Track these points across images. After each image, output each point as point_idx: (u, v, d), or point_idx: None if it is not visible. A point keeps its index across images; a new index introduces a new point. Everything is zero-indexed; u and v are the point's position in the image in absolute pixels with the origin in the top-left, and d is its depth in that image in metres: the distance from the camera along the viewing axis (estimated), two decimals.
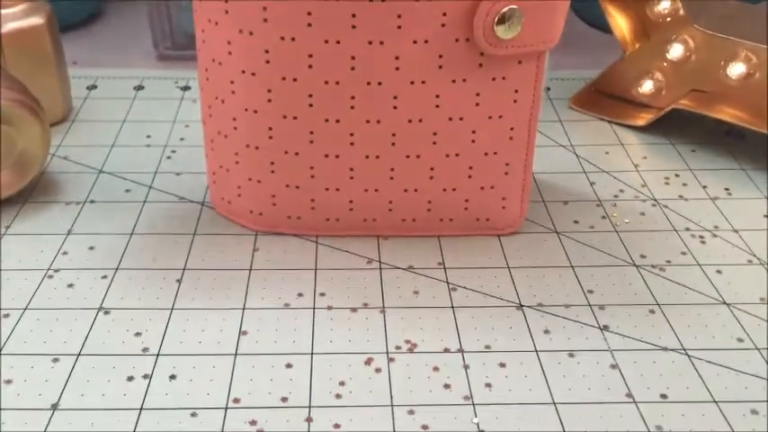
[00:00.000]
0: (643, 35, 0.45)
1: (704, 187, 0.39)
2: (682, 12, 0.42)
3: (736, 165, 0.41)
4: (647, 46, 0.44)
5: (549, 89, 0.48)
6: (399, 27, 0.30)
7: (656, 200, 0.38)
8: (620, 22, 0.45)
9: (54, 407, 0.26)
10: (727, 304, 0.32)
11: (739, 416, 0.27)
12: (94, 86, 0.47)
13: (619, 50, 0.45)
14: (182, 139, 0.42)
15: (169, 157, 0.41)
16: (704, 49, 0.42)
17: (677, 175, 0.40)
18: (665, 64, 0.43)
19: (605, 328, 0.30)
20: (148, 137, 0.42)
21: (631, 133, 0.44)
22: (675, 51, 0.43)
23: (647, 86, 0.44)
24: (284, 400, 0.27)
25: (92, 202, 0.37)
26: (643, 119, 0.44)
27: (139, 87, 0.47)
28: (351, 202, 0.34)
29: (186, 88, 0.47)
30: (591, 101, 0.46)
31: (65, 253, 0.33)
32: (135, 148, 0.41)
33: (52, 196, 0.37)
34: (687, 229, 0.36)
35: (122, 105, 0.45)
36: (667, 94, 0.44)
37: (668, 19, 0.42)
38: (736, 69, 0.41)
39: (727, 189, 0.39)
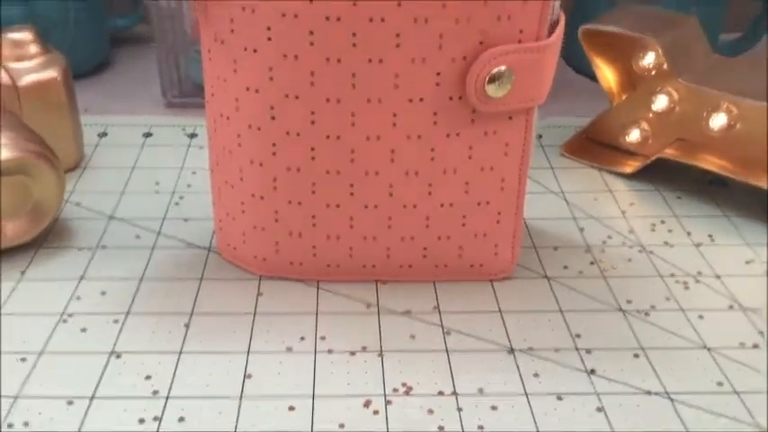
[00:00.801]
0: (629, 87, 0.47)
1: (689, 234, 0.41)
2: (666, 66, 0.44)
3: (719, 212, 0.43)
4: (633, 97, 0.46)
5: (540, 136, 0.50)
6: (396, 86, 0.32)
7: (642, 246, 0.40)
8: (607, 75, 0.47)
9: None
10: (708, 349, 0.33)
11: None
12: (105, 134, 0.49)
13: (607, 98, 0.48)
14: (189, 185, 0.44)
15: (177, 204, 0.42)
16: (688, 100, 0.44)
17: (663, 222, 0.42)
18: (651, 114, 0.45)
19: (592, 371, 0.32)
20: (157, 183, 0.44)
21: (619, 180, 0.46)
22: (660, 103, 0.45)
23: (634, 135, 0.47)
24: None
25: (103, 247, 0.39)
26: (630, 166, 0.46)
27: (148, 134, 0.49)
28: (350, 249, 0.36)
29: (193, 135, 0.49)
30: (581, 148, 0.48)
31: (78, 298, 0.35)
32: (144, 194, 0.43)
33: (66, 242, 0.39)
34: (672, 275, 0.38)
35: (132, 152, 0.47)
36: (654, 142, 0.46)
37: (653, 72, 0.45)
38: (718, 121, 0.43)
39: (710, 236, 0.41)
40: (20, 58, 0.42)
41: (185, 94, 0.53)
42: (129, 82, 0.56)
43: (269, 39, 0.31)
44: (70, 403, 0.29)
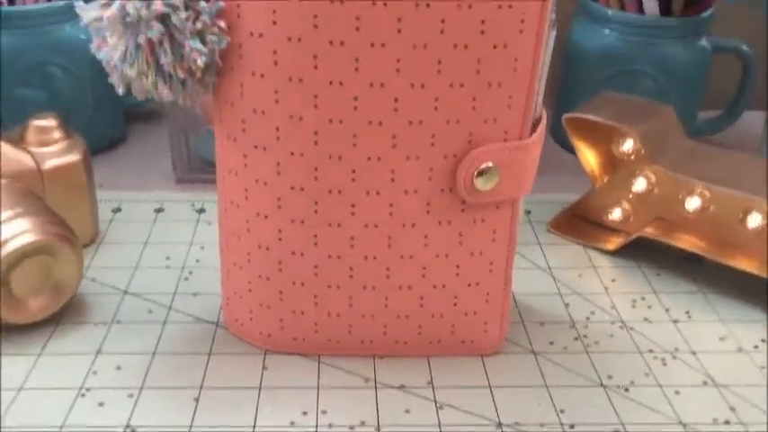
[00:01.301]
0: (611, 169, 0.50)
1: (667, 310, 0.44)
2: (643, 152, 0.47)
3: (696, 288, 0.46)
4: (614, 179, 0.49)
5: (529, 212, 0.53)
6: (393, 180, 0.35)
7: (623, 322, 0.43)
8: (590, 158, 0.50)
9: None
10: (683, 424, 0.36)
11: None
12: (119, 209, 0.52)
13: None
14: (197, 260, 0.47)
15: (186, 279, 0.45)
16: (664, 184, 0.47)
17: (643, 298, 0.45)
18: (631, 195, 0.49)
19: None
20: (168, 258, 0.47)
21: (603, 256, 0.49)
22: (639, 185, 0.48)
23: (616, 214, 0.50)
24: None
25: (118, 322, 0.41)
26: (613, 243, 0.49)
27: (159, 210, 0.52)
28: (350, 326, 0.39)
29: (201, 210, 0.52)
30: (567, 225, 0.51)
31: (95, 372, 0.38)
32: (156, 269, 0.46)
33: (82, 317, 0.41)
34: (650, 351, 0.40)
35: (144, 227, 0.50)
36: (635, 221, 0.49)
37: (632, 157, 0.48)
38: (693, 203, 0.46)
39: (687, 312, 0.44)
40: (44, 144, 0.45)
41: (194, 170, 0.56)
42: (141, 157, 0.59)
43: (277, 138, 0.34)
44: None
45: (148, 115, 0.65)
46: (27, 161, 0.43)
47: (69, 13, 0.55)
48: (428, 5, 0.32)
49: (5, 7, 0.54)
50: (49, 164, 0.44)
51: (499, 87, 0.34)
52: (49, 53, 0.55)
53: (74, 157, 0.45)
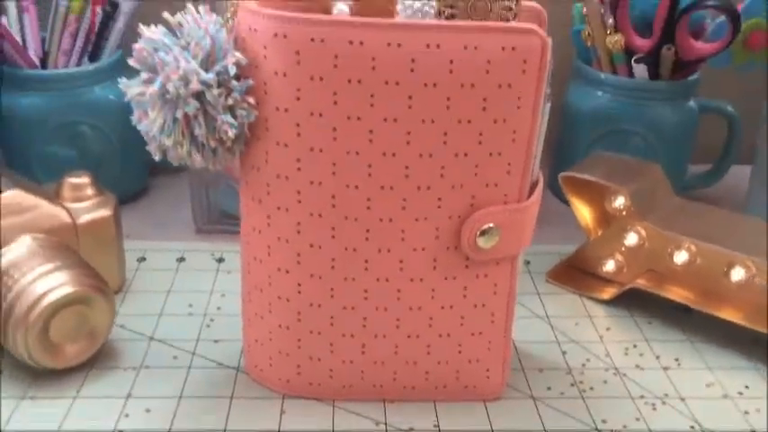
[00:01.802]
0: (604, 223, 0.54)
1: (657, 357, 0.47)
2: (633, 209, 0.51)
3: (685, 337, 0.49)
4: (608, 233, 0.53)
5: (529, 263, 0.57)
6: (403, 239, 0.39)
7: (616, 368, 0.46)
8: (584, 213, 0.54)
9: None
10: None
11: None
12: (143, 258, 0.55)
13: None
14: (218, 308, 0.50)
15: (208, 326, 0.48)
16: (654, 239, 0.50)
17: (635, 346, 0.48)
18: (624, 248, 0.52)
19: None
20: (190, 306, 0.50)
21: (598, 306, 0.52)
22: (631, 239, 0.51)
23: (609, 266, 0.53)
24: None
25: (146, 367, 0.44)
26: (608, 293, 0.52)
27: (181, 259, 0.56)
28: (362, 372, 0.42)
29: (221, 260, 0.56)
30: (564, 275, 0.54)
31: (126, 415, 0.41)
32: (179, 316, 0.49)
33: (113, 362, 0.45)
34: (642, 397, 0.43)
35: (167, 276, 0.54)
36: (627, 272, 0.52)
37: (623, 213, 0.51)
38: (681, 257, 0.49)
39: (676, 359, 0.47)
40: (77, 200, 0.49)
41: (213, 221, 0.60)
42: (163, 208, 0.63)
43: (298, 201, 0.38)
44: None
45: (169, 169, 0.68)
46: (63, 216, 0.47)
47: (98, 76, 0.59)
48: (435, 85, 0.35)
49: (40, 71, 0.59)
50: (83, 219, 0.48)
51: (499, 156, 0.37)
52: (79, 113, 0.59)
53: (105, 212, 0.49)
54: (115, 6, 0.60)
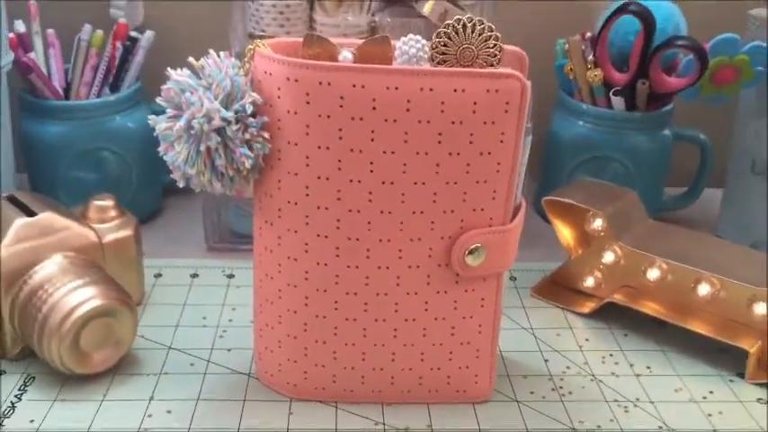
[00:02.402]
0: (584, 243, 0.58)
1: (631, 365, 0.51)
2: (610, 230, 0.55)
3: (657, 347, 0.53)
4: (587, 252, 0.57)
5: (515, 279, 0.61)
6: (400, 258, 0.43)
7: (594, 375, 0.50)
8: (566, 234, 0.59)
9: None
10: None
11: None
12: (160, 275, 0.60)
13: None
14: (230, 320, 0.55)
15: (221, 336, 0.53)
16: (629, 257, 0.55)
17: (611, 355, 0.52)
18: (602, 266, 0.57)
19: None
20: (204, 318, 0.55)
21: (578, 319, 0.56)
22: (608, 257, 0.56)
23: (589, 282, 0.58)
24: None
25: (165, 373, 0.49)
26: (587, 307, 0.57)
27: (195, 275, 0.60)
28: (363, 377, 0.46)
29: (231, 276, 0.60)
30: (547, 290, 0.59)
31: (149, 416, 0.45)
32: (194, 328, 0.54)
33: (136, 369, 0.49)
34: (615, 401, 0.48)
35: (182, 291, 0.58)
36: (605, 287, 0.57)
37: (601, 233, 0.56)
38: (653, 274, 0.54)
39: (648, 367, 0.51)
40: (102, 221, 0.53)
41: (224, 240, 0.64)
42: (176, 227, 0.68)
43: (306, 223, 0.43)
44: None
45: (181, 191, 0.73)
46: (91, 236, 0.51)
47: (118, 106, 0.64)
48: (428, 122, 0.40)
49: (65, 101, 0.63)
50: (108, 238, 0.52)
51: (485, 184, 0.42)
52: (101, 140, 0.64)
53: (127, 232, 0.54)
54: (134, 41, 0.65)
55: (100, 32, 0.65)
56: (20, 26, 0.62)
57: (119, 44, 0.65)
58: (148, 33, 0.65)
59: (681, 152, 0.69)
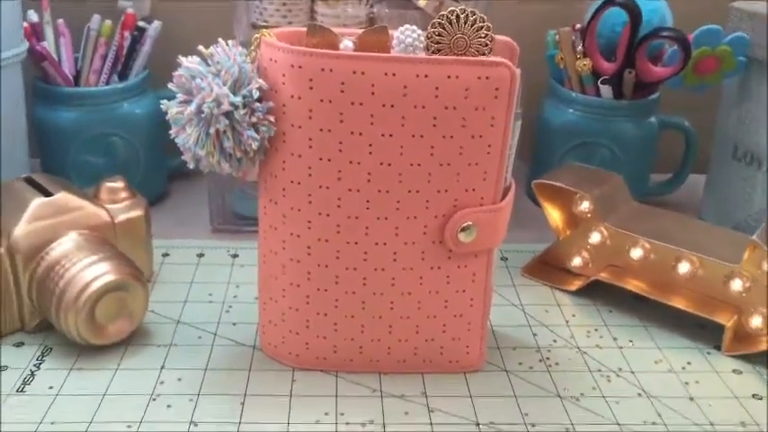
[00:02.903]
0: (572, 224, 0.61)
1: (615, 339, 0.54)
2: (596, 211, 0.58)
3: (639, 323, 0.56)
4: (575, 233, 0.60)
5: (506, 259, 0.64)
6: (396, 234, 0.46)
7: (579, 347, 0.53)
8: (554, 216, 0.62)
9: None
10: (620, 425, 0.46)
11: None
12: (167, 254, 0.63)
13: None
14: (234, 296, 0.58)
15: (227, 311, 0.56)
16: (614, 238, 0.58)
17: (596, 330, 0.55)
18: (589, 246, 0.60)
19: None
20: (210, 294, 0.58)
21: (565, 296, 0.59)
22: (594, 238, 0.59)
23: (576, 261, 0.61)
24: None
25: (175, 345, 0.52)
26: (574, 285, 0.60)
27: (201, 255, 0.63)
28: (361, 348, 0.49)
29: (235, 255, 0.63)
30: (537, 270, 0.62)
31: (162, 382, 0.48)
32: (201, 303, 0.56)
33: (147, 341, 0.52)
34: (599, 371, 0.51)
35: (189, 269, 0.61)
36: (592, 267, 0.60)
37: (588, 215, 0.59)
38: (636, 253, 0.57)
39: (630, 341, 0.54)
40: (114, 201, 0.56)
41: (228, 221, 0.67)
42: (182, 210, 0.70)
43: (309, 202, 0.45)
44: None
45: (186, 175, 0.76)
46: (104, 216, 0.54)
47: (127, 93, 0.67)
48: (423, 107, 0.43)
49: (76, 88, 0.66)
50: (120, 218, 0.55)
51: (476, 166, 0.45)
52: (110, 126, 0.66)
53: (138, 212, 0.56)
54: (142, 31, 0.67)
55: (108, 22, 0.67)
56: (32, 16, 0.64)
57: (127, 34, 0.67)
58: (155, 23, 0.68)
59: (666, 139, 0.72)
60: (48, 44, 0.65)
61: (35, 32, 0.64)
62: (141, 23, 0.68)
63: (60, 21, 0.67)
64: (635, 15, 0.62)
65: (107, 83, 0.67)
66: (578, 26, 0.69)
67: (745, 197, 0.66)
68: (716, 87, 0.67)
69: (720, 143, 0.68)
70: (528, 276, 0.62)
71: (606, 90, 0.67)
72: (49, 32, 0.66)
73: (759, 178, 0.64)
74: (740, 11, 0.64)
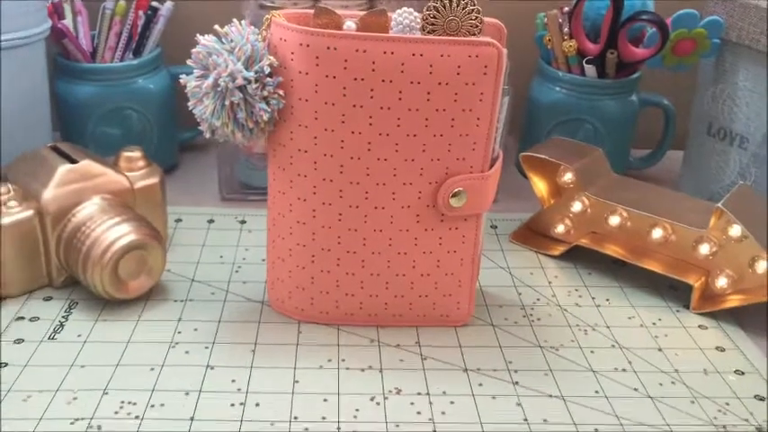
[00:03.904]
0: (556, 194, 0.66)
1: (593, 298, 0.59)
2: (578, 182, 0.63)
3: (616, 284, 0.61)
4: (558, 202, 0.65)
5: (496, 227, 0.69)
6: (394, 199, 0.51)
7: (560, 305, 0.58)
8: (540, 186, 0.66)
9: (191, 419, 0.45)
10: (594, 371, 0.51)
11: None
12: (180, 220, 0.67)
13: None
14: (243, 258, 0.62)
15: (237, 271, 0.60)
16: (594, 206, 0.63)
17: (576, 290, 0.60)
18: (571, 214, 0.64)
19: (516, 383, 0.50)
20: (221, 257, 0.62)
21: (549, 260, 0.64)
22: (576, 207, 0.64)
23: (560, 228, 0.65)
24: (323, 418, 0.46)
25: (191, 300, 0.56)
26: (557, 250, 0.65)
27: (211, 221, 0.68)
28: (361, 303, 0.54)
29: (243, 222, 0.68)
30: (524, 236, 0.67)
31: (179, 332, 0.53)
32: (213, 264, 0.61)
33: (164, 296, 0.57)
34: (577, 325, 0.56)
35: (200, 234, 0.66)
36: (574, 233, 0.65)
37: (571, 186, 0.64)
38: (614, 221, 0.62)
39: (607, 299, 0.59)
40: (132, 170, 0.60)
41: (235, 191, 0.72)
42: (192, 179, 0.75)
43: (315, 169, 0.50)
44: (186, 394, 0.47)
45: (195, 147, 0.80)
46: (124, 182, 0.58)
47: (141, 69, 0.71)
48: (419, 83, 0.47)
49: (94, 64, 0.70)
50: (139, 184, 0.60)
51: (467, 137, 0.50)
52: (125, 100, 0.71)
53: (154, 179, 0.61)
54: (155, 10, 0.72)
55: (123, 2, 0.71)
56: None
57: (141, 13, 0.71)
58: (168, 3, 0.72)
59: (647, 116, 0.77)
60: (67, 22, 0.69)
61: (56, 11, 0.68)
62: (155, 3, 0.72)
63: (78, 0, 0.71)
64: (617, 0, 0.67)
65: (121, 59, 0.72)
66: (566, 9, 0.74)
67: (719, 170, 0.71)
68: (693, 67, 0.71)
69: (697, 120, 0.73)
70: (515, 242, 0.66)
71: (590, 69, 0.72)
72: (67, 11, 0.70)
73: (731, 153, 0.69)
74: None
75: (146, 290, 0.56)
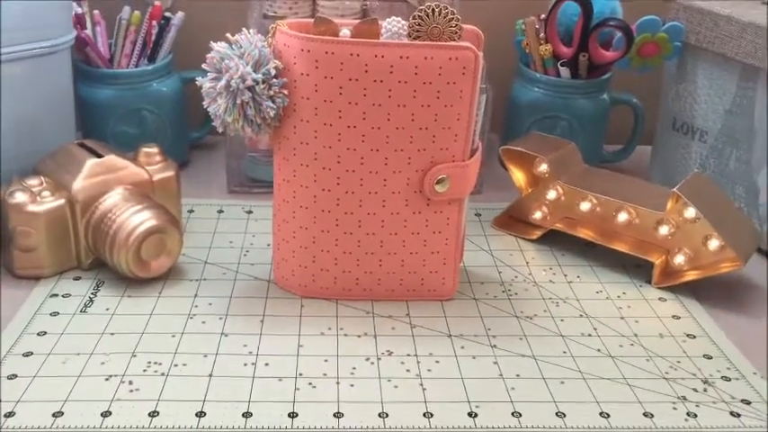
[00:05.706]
0: (533, 184, 0.73)
1: (565, 275, 0.66)
2: (552, 172, 0.70)
3: (587, 263, 0.68)
4: (535, 191, 0.72)
5: (480, 215, 0.76)
6: (385, 185, 0.58)
7: (535, 282, 0.65)
8: (518, 176, 0.73)
9: (210, 375, 0.52)
10: (563, 336, 0.58)
11: (557, 385, 0.52)
12: (192, 210, 0.74)
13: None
14: (251, 243, 0.69)
15: (245, 255, 0.67)
16: (568, 194, 0.70)
17: (551, 269, 0.67)
18: (547, 202, 0.71)
19: (494, 346, 0.56)
20: (231, 242, 0.69)
21: (528, 243, 0.71)
22: (551, 195, 0.71)
23: (537, 215, 0.72)
24: (325, 374, 0.52)
25: (205, 279, 0.63)
26: (535, 234, 0.71)
27: (220, 211, 0.74)
28: (357, 279, 0.61)
29: (250, 212, 0.74)
30: (504, 222, 0.74)
31: (196, 306, 0.59)
32: (224, 248, 0.68)
33: (181, 276, 0.63)
34: (550, 299, 0.63)
35: (211, 223, 0.72)
36: (550, 219, 0.72)
37: (546, 176, 0.71)
38: (585, 206, 0.69)
39: (578, 277, 0.66)
40: (150, 164, 0.67)
41: (242, 184, 0.78)
42: (201, 174, 0.82)
43: (315, 159, 0.57)
44: (205, 356, 0.53)
45: (205, 145, 0.87)
46: (144, 175, 0.65)
47: (155, 74, 0.78)
48: (406, 82, 0.54)
49: (113, 70, 0.77)
50: (157, 177, 0.66)
51: (449, 129, 0.56)
52: (141, 102, 0.77)
53: (171, 173, 0.68)
54: (168, 20, 0.78)
55: (137, 13, 0.78)
56: (77, 8, 0.75)
57: (154, 23, 0.78)
58: (180, 14, 0.79)
59: (618, 114, 0.84)
60: (88, 31, 0.76)
61: (79, 22, 0.74)
62: (167, 13, 0.79)
63: (96, 11, 0.78)
64: (587, 8, 0.74)
65: (136, 65, 0.78)
66: (542, 16, 0.81)
67: (683, 162, 0.77)
68: (658, 68, 0.78)
69: (663, 116, 0.80)
70: (497, 228, 0.73)
71: (565, 71, 0.79)
72: (87, 22, 0.77)
73: (693, 146, 0.76)
74: (678, 3, 0.75)
75: (165, 269, 0.62)
